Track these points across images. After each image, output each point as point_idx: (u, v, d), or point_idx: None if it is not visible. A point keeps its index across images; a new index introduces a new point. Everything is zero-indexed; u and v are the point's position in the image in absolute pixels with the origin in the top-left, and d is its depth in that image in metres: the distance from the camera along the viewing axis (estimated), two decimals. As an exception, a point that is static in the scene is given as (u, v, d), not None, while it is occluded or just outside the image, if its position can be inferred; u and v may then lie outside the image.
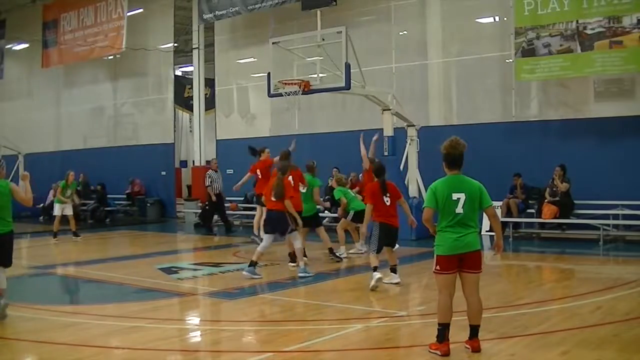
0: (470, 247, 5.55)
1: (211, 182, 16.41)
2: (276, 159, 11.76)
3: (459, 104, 16.49)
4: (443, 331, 5.60)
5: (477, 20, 16.21)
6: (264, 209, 10.64)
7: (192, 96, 22.43)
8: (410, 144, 14.95)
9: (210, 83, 22.03)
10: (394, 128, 14.65)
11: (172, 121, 23.04)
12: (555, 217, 13.68)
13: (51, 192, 22.66)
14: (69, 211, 15.75)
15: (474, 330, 5.66)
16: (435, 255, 5.69)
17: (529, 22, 14.20)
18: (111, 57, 23.34)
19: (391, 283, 8.80)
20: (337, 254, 11.30)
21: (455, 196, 5.56)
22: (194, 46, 21.58)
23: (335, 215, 16.90)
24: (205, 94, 22.02)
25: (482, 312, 5.69)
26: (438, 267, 5.66)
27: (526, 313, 7.06)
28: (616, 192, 13.37)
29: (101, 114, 24.87)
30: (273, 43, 14.07)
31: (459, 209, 5.52)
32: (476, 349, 5.60)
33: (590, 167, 13.69)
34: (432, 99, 16.61)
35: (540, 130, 14.79)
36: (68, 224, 15.70)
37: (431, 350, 5.63)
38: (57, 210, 15.76)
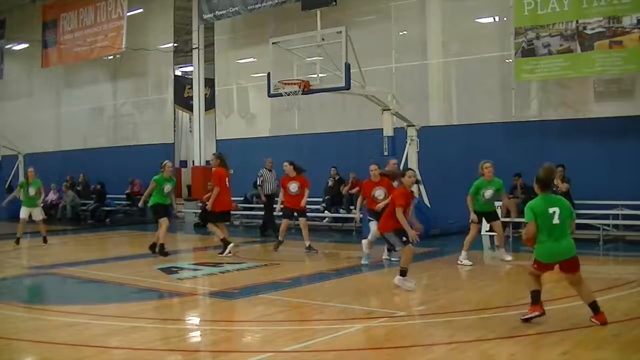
0: (567, 255, 6.46)
1: (262, 181, 15.62)
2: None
3: (459, 104, 16.50)
4: (537, 296, 6.56)
5: (477, 20, 16.21)
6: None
7: (192, 96, 22.44)
8: (410, 144, 14.95)
9: (210, 83, 22.03)
10: (394, 128, 14.65)
11: (172, 121, 23.05)
12: (555, 217, 13.67)
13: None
14: (37, 215, 14.56)
15: (594, 307, 6.44)
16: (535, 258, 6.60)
17: (528, 22, 14.20)
18: (111, 57, 23.34)
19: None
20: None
21: (551, 210, 6.44)
22: (193, 46, 21.58)
23: (337, 215, 16.98)
24: (205, 94, 22.02)
25: (591, 292, 6.61)
26: (535, 266, 6.61)
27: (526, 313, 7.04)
28: (616, 192, 13.37)
29: (101, 114, 24.87)
30: (273, 43, 14.08)
31: (556, 220, 6.39)
32: (603, 322, 6.33)
33: (590, 167, 13.69)
34: (432, 99, 16.62)
35: (540, 130, 14.79)
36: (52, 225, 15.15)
37: (529, 315, 6.47)
38: (22, 213, 14.49)
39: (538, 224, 6.39)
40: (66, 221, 21.39)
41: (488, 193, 10.84)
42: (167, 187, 12.28)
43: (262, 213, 16.57)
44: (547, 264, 6.52)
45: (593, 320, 6.40)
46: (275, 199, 14.86)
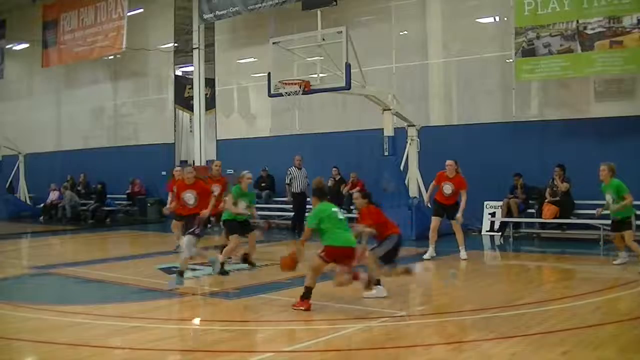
0: (353, 244, 7.57)
1: (291, 180, 15.56)
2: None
3: (459, 104, 16.50)
4: (310, 292, 7.43)
5: (478, 20, 16.21)
6: None
7: (192, 96, 22.41)
8: (410, 144, 14.95)
9: (210, 83, 22.01)
10: (394, 128, 14.65)
11: (173, 121, 23.02)
12: (555, 217, 13.68)
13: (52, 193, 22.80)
14: None
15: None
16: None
17: (529, 22, 14.20)
18: (111, 57, 23.33)
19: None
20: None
21: (334, 209, 7.66)
22: (194, 46, 21.55)
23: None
24: (206, 94, 21.99)
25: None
26: (324, 254, 7.53)
27: (526, 313, 7.05)
28: (616, 192, 13.34)
29: (101, 114, 24.87)
30: (273, 43, 14.07)
31: (340, 216, 7.66)
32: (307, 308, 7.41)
33: (590, 167, 13.62)
34: (433, 99, 16.62)
35: (540, 130, 14.79)
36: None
37: (299, 307, 7.32)
38: None
39: (323, 226, 7.41)
40: (66, 221, 21.40)
41: (607, 197, 10.34)
42: (242, 204, 10.17)
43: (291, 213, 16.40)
44: (339, 249, 7.37)
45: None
46: (307, 198, 15.04)
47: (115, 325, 7.09)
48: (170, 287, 8.86)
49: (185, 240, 9.10)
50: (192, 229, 9.09)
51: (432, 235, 11.26)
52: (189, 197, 9.29)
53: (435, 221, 11.24)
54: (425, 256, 11.14)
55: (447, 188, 11.15)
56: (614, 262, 10.42)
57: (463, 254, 11.16)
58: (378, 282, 8.02)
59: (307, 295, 7.38)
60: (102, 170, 22.76)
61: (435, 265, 10.95)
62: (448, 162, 11.37)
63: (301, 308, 7.32)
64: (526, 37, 14.20)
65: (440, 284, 9.61)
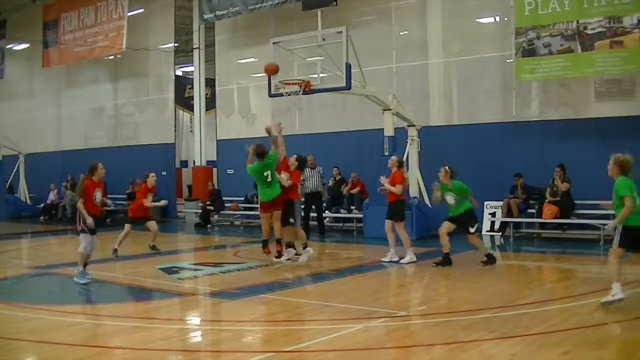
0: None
1: (303, 179, 15.05)
2: None
3: (459, 104, 16.49)
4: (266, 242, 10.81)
5: (478, 20, 16.20)
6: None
7: (192, 96, 22.44)
8: (410, 144, 14.93)
9: (210, 83, 22.04)
10: (395, 128, 14.64)
11: (173, 121, 23.03)
12: (555, 217, 13.68)
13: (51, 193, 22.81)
14: None
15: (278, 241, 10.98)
16: None
17: (529, 22, 14.20)
18: (112, 57, 23.35)
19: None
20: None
21: (265, 173, 10.80)
22: (194, 46, 21.59)
23: (338, 215, 16.97)
24: (206, 94, 22.02)
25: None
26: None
27: (526, 313, 7.05)
28: (617, 192, 13.33)
29: (102, 114, 24.87)
30: (273, 43, 14.06)
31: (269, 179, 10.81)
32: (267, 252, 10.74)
33: (590, 167, 13.61)
34: (433, 99, 16.61)
35: (540, 130, 14.79)
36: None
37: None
38: None
39: (257, 183, 10.64)
40: (66, 221, 21.39)
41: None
42: (449, 198, 10.47)
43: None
44: (262, 203, 10.80)
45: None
46: (322, 198, 15.78)
47: (115, 325, 7.10)
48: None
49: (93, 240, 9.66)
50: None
51: (389, 236, 11.02)
52: (99, 195, 9.95)
53: (387, 224, 11.03)
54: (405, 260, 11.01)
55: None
56: None
57: (389, 255, 10.98)
58: (303, 248, 10.72)
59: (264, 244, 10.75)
60: (103, 170, 22.74)
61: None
62: (392, 157, 11.88)
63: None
64: (526, 37, 14.19)
65: (441, 284, 9.60)
